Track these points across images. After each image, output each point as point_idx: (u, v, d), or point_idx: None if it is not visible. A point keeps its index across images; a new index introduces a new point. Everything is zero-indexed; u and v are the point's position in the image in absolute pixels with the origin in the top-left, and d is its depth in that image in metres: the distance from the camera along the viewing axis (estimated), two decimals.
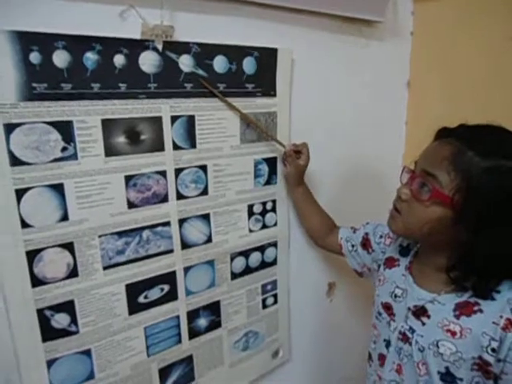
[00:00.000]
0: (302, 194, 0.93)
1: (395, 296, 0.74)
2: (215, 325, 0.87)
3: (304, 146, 0.87)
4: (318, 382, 1.18)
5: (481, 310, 0.62)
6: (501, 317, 0.59)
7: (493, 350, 0.60)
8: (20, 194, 0.60)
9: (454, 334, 0.63)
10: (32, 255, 0.63)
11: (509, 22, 0.93)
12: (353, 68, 1.02)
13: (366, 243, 0.86)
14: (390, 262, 0.79)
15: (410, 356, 0.69)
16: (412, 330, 0.69)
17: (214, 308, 0.86)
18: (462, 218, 0.60)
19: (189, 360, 0.84)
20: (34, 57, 0.58)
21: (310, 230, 0.98)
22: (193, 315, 0.83)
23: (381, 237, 0.84)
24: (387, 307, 0.75)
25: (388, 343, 0.74)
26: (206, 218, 0.81)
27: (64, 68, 0.61)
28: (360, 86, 1.04)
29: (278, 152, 0.88)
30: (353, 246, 0.89)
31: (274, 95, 0.85)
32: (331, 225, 0.95)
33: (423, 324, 0.68)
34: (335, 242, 0.91)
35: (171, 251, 0.77)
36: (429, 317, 0.67)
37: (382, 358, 0.76)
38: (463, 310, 0.63)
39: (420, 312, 0.68)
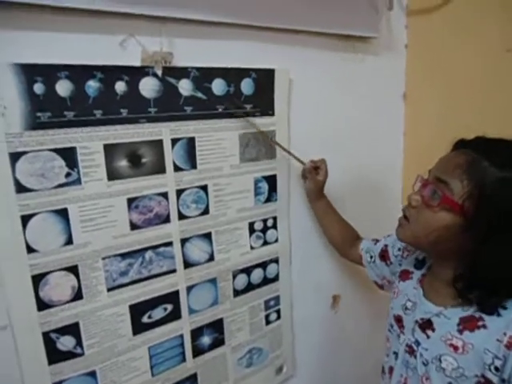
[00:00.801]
0: (322, 208, 0.96)
1: (406, 309, 0.74)
2: (219, 342, 0.88)
3: (322, 162, 0.91)
4: None
5: (485, 326, 0.61)
6: (504, 334, 0.58)
7: (496, 368, 0.59)
8: (25, 219, 0.62)
9: (456, 348, 0.63)
10: (37, 279, 0.64)
11: (501, 34, 0.95)
12: (350, 83, 1.04)
13: (384, 255, 0.87)
14: (404, 275, 0.79)
15: (415, 369, 0.69)
16: (418, 343, 0.69)
17: (217, 326, 0.87)
18: (471, 226, 0.60)
19: (193, 378, 0.85)
20: (38, 87, 0.60)
21: (332, 241, 1.00)
22: (196, 333, 0.83)
23: (399, 249, 0.84)
24: (398, 320, 0.75)
25: (396, 356, 0.74)
26: (207, 236, 0.82)
27: (67, 97, 0.63)
28: (357, 100, 1.06)
29: (277, 170, 0.90)
30: (371, 257, 0.90)
31: (273, 114, 0.86)
32: (354, 236, 0.97)
33: (428, 337, 0.67)
34: (356, 252, 0.94)
35: (174, 271, 0.78)
36: (434, 330, 0.67)
37: (391, 371, 0.76)
38: (467, 324, 0.63)
39: (426, 325, 0.68)
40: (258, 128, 0.83)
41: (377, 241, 0.91)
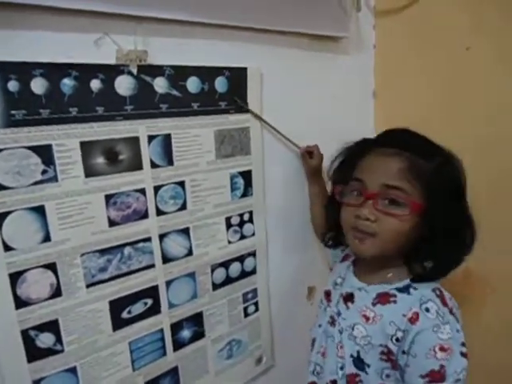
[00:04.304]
0: (314, 191, 1.03)
1: (335, 284, 0.81)
2: (199, 335, 0.89)
3: (315, 147, 0.99)
4: None
5: (395, 301, 0.68)
6: (410, 309, 0.65)
7: (397, 339, 0.65)
8: (1, 217, 0.62)
9: (367, 319, 0.70)
10: (15, 277, 0.64)
11: (464, 34, 1.00)
12: (321, 82, 1.07)
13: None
14: (345, 258, 0.86)
15: (333, 337, 0.75)
16: (339, 314, 0.76)
17: (197, 319, 0.88)
18: (427, 218, 0.67)
19: (174, 371, 0.86)
20: (12, 85, 0.60)
21: (313, 225, 1.05)
22: (176, 327, 0.85)
23: None
24: (328, 294, 0.82)
25: (320, 327, 0.80)
26: (185, 232, 0.83)
27: (42, 94, 0.63)
28: (329, 98, 1.10)
29: (252, 166, 0.92)
30: (327, 238, 0.92)
31: (247, 111, 0.89)
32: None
33: (348, 308, 0.74)
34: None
35: (153, 266, 0.79)
36: (353, 302, 0.74)
37: (313, 343, 0.82)
38: (381, 299, 0.70)
39: (348, 298, 0.75)
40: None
41: None
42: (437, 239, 0.68)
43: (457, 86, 1.04)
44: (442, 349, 0.62)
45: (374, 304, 0.70)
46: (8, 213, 0.62)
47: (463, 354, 0.64)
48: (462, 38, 1.01)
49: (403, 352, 0.65)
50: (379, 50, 1.22)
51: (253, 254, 0.97)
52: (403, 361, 0.65)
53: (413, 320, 0.64)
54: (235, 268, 0.94)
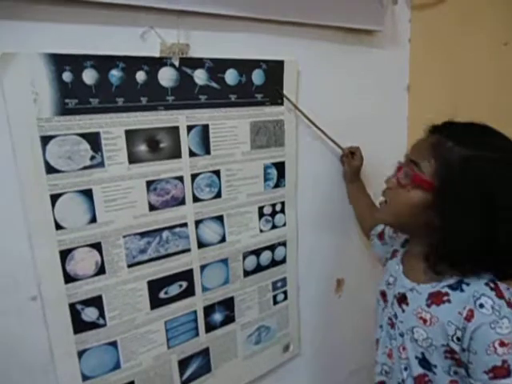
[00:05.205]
0: (354, 190, 1.07)
1: (388, 284, 0.80)
2: (229, 319, 0.93)
3: (357, 149, 1.03)
4: (328, 375, 1.23)
5: (449, 301, 0.67)
6: (464, 308, 0.64)
7: (458, 338, 0.65)
8: (54, 198, 0.67)
9: (425, 321, 0.69)
10: (65, 254, 0.69)
11: (499, 28, 0.98)
12: (355, 75, 1.08)
13: (381, 235, 0.96)
14: (393, 254, 0.85)
15: (395, 340, 0.76)
16: (396, 316, 0.76)
17: (228, 304, 0.92)
18: (439, 200, 0.66)
19: (205, 352, 0.90)
20: (67, 76, 0.65)
21: (359, 222, 1.10)
22: (209, 310, 0.89)
23: (394, 232, 0.91)
24: (383, 294, 0.82)
25: (382, 328, 0.80)
26: (219, 219, 0.87)
27: (92, 85, 0.67)
28: (363, 92, 1.10)
29: (286, 157, 0.94)
30: (372, 235, 0.99)
31: (282, 104, 0.91)
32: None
33: (403, 311, 0.74)
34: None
35: (188, 250, 0.83)
36: (407, 304, 0.73)
37: (377, 343, 0.82)
38: (434, 299, 0.69)
39: (402, 299, 0.75)
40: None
41: None
42: (446, 234, 0.65)
43: (493, 81, 1.02)
44: (502, 344, 0.61)
45: (428, 305, 0.69)
46: (60, 194, 0.67)
47: None
48: (499, 33, 0.99)
49: (463, 350, 0.64)
50: (414, 44, 1.20)
51: (283, 244, 0.99)
52: (466, 358, 0.64)
53: (468, 317, 0.63)
54: (266, 256, 0.96)
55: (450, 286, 0.68)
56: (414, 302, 0.72)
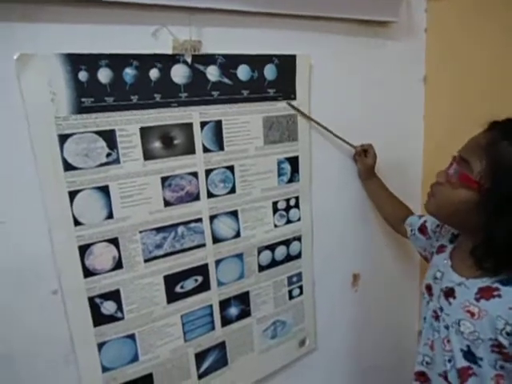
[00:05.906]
0: (372, 187, 1.07)
1: (435, 278, 0.80)
2: (245, 314, 0.94)
3: (370, 146, 1.03)
4: (345, 371, 1.22)
5: (499, 295, 0.66)
6: None
7: (507, 333, 0.63)
8: (72, 195, 0.69)
9: (473, 314, 0.68)
10: (83, 249, 0.71)
11: None
12: (370, 68, 1.06)
13: (422, 229, 0.94)
14: (440, 249, 0.85)
15: (438, 332, 0.75)
16: (441, 309, 0.76)
17: (243, 298, 0.93)
18: (486, 201, 0.65)
19: (222, 346, 0.91)
20: (82, 75, 0.66)
21: (385, 217, 1.10)
22: (224, 304, 0.90)
23: (437, 226, 0.90)
24: (429, 288, 0.81)
25: (425, 320, 0.81)
26: (234, 214, 0.87)
27: (107, 83, 0.69)
28: (378, 84, 1.09)
29: (299, 152, 0.94)
30: (411, 230, 0.97)
31: (294, 98, 0.91)
32: (405, 212, 1.04)
33: (450, 304, 0.74)
34: (403, 227, 1.01)
35: (204, 245, 0.84)
36: (455, 298, 0.73)
37: (419, 335, 0.83)
38: (484, 293, 0.68)
39: (449, 293, 0.74)
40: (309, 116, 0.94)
41: (421, 216, 0.98)
42: (493, 233, 0.65)
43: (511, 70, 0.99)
44: None
45: (477, 299, 0.68)
46: (78, 191, 0.69)
47: None
48: None
49: None
50: (431, 34, 1.18)
51: (298, 239, 0.99)
52: None
53: None
54: (281, 251, 0.97)
55: (501, 282, 0.67)
56: (462, 295, 0.71)
